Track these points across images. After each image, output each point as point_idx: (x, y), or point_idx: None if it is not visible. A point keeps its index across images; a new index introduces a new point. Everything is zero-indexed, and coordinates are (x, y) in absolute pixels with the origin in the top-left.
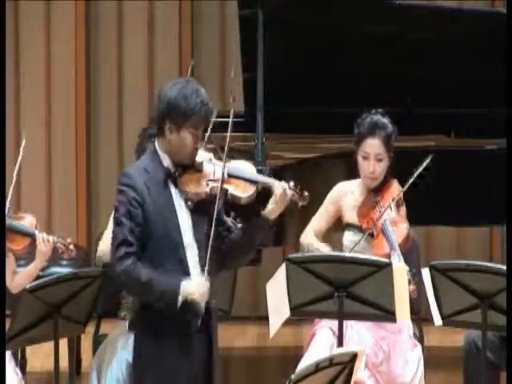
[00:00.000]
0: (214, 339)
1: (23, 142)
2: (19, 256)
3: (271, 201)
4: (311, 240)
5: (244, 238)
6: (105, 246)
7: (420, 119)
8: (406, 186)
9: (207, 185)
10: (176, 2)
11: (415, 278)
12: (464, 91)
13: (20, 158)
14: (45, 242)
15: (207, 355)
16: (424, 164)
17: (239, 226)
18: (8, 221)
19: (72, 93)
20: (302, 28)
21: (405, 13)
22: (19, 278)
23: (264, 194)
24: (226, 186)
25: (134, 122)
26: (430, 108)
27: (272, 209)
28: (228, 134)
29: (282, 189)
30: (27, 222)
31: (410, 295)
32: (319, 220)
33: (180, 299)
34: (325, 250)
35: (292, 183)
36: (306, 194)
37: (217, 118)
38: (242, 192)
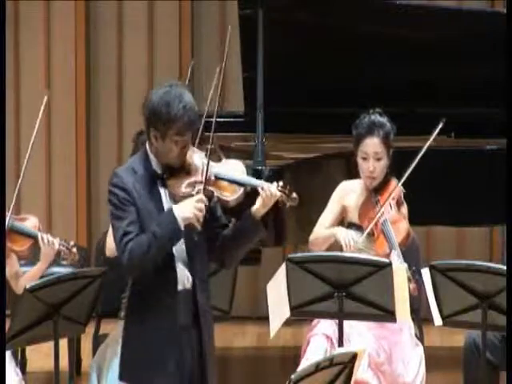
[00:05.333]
0: (204, 337)
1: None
2: (21, 257)
3: (257, 201)
4: (318, 233)
5: (236, 236)
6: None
7: (420, 119)
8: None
9: (194, 187)
10: (176, 2)
11: (415, 275)
12: (464, 91)
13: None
14: (49, 244)
15: (199, 354)
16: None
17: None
18: (11, 222)
19: (72, 93)
20: (302, 28)
21: (405, 13)
22: (23, 282)
23: (255, 195)
24: (213, 188)
25: (134, 121)
26: (430, 108)
27: (257, 208)
28: (211, 133)
29: (266, 190)
30: (30, 223)
31: (410, 293)
32: (326, 218)
33: (180, 221)
34: (335, 231)
35: (281, 183)
36: (295, 195)
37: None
38: (230, 195)
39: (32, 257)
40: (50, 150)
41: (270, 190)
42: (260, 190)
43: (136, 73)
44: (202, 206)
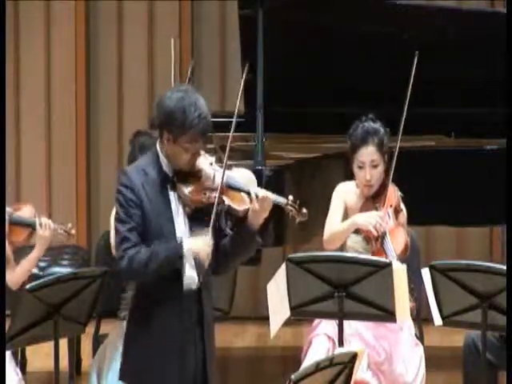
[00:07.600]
0: (207, 337)
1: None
2: (17, 247)
3: (248, 213)
4: (334, 229)
5: (233, 246)
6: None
7: (420, 119)
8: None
9: (205, 193)
10: (176, 2)
11: (414, 293)
12: (464, 91)
13: None
14: (46, 227)
15: (201, 353)
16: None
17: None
18: (8, 214)
19: (72, 93)
20: (302, 28)
21: (405, 13)
22: (20, 269)
23: None
24: (223, 197)
25: (133, 121)
26: (430, 108)
27: (252, 217)
28: (228, 143)
29: (260, 196)
30: (26, 212)
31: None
32: (336, 216)
33: (185, 254)
34: (354, 218)
35: (291, 198)
36: (305, 210)
37: (217, 118)
38: (240, 204)
39: (31, 250)
40: (50, 150)
41: (262, 196)
42: (254, 201)
43: (136, 73)
44: (210, 249)
